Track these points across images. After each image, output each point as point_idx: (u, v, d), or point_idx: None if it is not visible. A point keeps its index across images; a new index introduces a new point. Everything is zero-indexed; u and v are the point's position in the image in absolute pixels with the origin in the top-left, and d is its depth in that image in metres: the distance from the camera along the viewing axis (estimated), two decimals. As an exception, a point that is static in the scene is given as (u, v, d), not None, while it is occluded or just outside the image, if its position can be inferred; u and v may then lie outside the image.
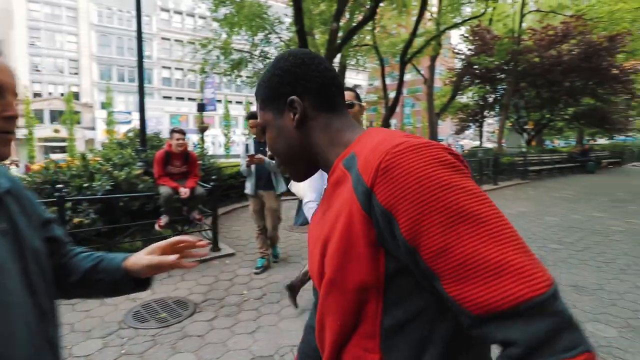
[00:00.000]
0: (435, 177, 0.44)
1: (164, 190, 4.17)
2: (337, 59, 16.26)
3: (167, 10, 36.12)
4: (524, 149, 15.91)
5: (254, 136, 3.99)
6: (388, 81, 21.05)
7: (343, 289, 0.52)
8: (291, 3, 12.53)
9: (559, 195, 9.15)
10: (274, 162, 3.63)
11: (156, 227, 4.29)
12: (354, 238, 0.50)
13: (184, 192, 4.17)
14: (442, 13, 18.01)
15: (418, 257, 0.45)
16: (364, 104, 1.88)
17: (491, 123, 25.05)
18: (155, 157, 4.27)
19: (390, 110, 15.48)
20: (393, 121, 43.01)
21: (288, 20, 13.83)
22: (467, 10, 20.14)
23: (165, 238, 2.78)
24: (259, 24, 12.50)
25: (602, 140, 26.92)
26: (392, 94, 19.42)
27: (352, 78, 34.09)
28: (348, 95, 1.79)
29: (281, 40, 13.35)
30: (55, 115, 31.11)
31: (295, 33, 11.27)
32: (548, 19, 17.42)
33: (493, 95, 20.28)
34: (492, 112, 21.33)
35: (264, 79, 0.68)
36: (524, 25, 17.73)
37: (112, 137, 7.47)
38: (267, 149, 3.79)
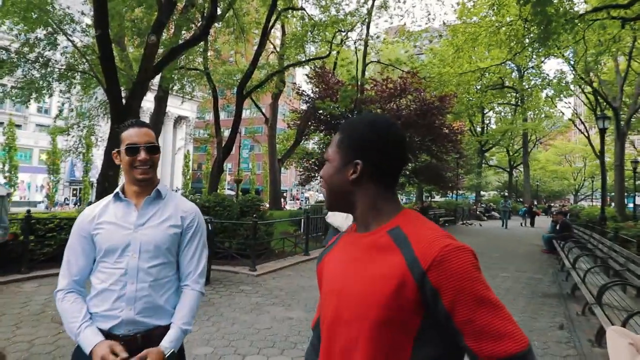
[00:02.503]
0: (469, 273, 0.83)
1: None
2: (156, 80, 15.64)
3: None
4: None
5: None
6: (222, 116, 21.38)
7: (384, 330, 0.86)
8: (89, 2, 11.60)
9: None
10: None
11: None
12: (403, 297, 0.85)
13: None
14: (285, 47, 19.84)
15: (451, 321, 0.83)
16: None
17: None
18: None
19: (225, 152, 15.51)
20: (228, 165, 43.46)
21: (88, 20, 12.65)
22: (312, 50, 22.91)
23: None
24: (40, 18, 10.98)
25: (438, 198, 33.42)
26: (227, 132, 19.71)
27: (175, 107, 33.13)
28: (146, 135, 1.65)
29: (74, 46, 12.01)
30: None
31: (96, 39, 10.34)
32: (388, 71, 21.25)
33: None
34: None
35: (354, 126, 1.01)
36: (366, 74, 21.13)
37: None
38: None
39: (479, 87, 28.17)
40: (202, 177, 45.90)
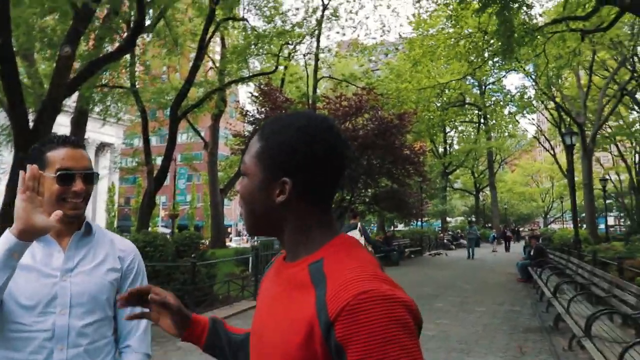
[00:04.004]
0: (384, 333, 0.68)
1: None
2: (72, 101, 14.98)
3: None
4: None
5: None
6: (154, 141, 20.77)
7: None
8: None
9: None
10: None
11: None
12: (311, 350, 0.74)
13: None
14: (226, 61, 19.74)
15: None
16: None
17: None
18: None
19: (158, 182, 14.94)
20: (162, 198, 42.15)
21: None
22: (256, 65, 23.01)
23: None
24: None
25: (401, 227, 33.93)
26: (159, 160, 19.07)
27: (97, 132, 31.79)
28: (83, 158, 1.47)
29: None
30: None
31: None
32: (342, 88, 21.65)
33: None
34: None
35: (280, 132, 0.86)
36: (318, 92, 21.43)
37: None
38: None
39: (439, 104, 29.38)
40: (130, 214, 44.12)
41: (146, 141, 16.04)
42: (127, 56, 15.35)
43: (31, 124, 9.87)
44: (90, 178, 1.45)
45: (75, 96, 14.32)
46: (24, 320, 1.31)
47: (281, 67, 20.36)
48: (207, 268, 8.92)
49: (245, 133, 22.28)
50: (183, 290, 8.06)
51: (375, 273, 0.76)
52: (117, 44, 15.27)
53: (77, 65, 12.58)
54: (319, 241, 0.84)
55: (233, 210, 42.55)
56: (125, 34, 13.75)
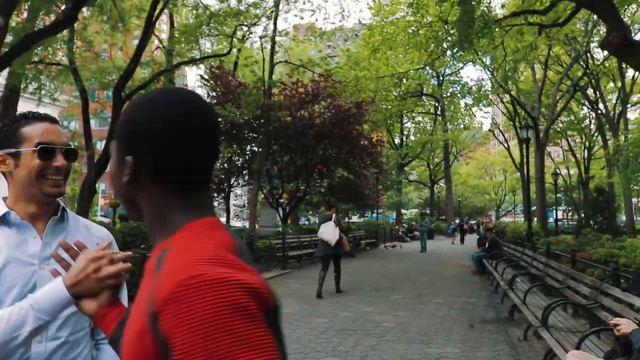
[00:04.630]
0: (216, 322, 0.60)
1: None
2: (2, 78, 14.18)
3: None
4: (280, 228, 18.02)
5: None
6: (94, 124, 19.97)
7: None
8: None
9: (326, 287, 10.52)
10: None
11: None
12: (143, 348, 0.68)
13: None
14: (174, 41, 19.20)
15: None
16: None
17: (239, 194, 27.67)
18: None
19: (99, 169, 14.42)
20: (101, 185, 40.66)
21: None
22: (208, 47, 22.50)
23: None
24: None
25: (356, 218, 34.36)
26: (100, 144, 18.36)
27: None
28: (63, 134, 1.44)
29: None
30: None
31: None
32: (299, 73, 21.56)
33: (241, 159, 22.57)
34: (240, 180, 23.53)
35: (130, 107, 0.84)
36: (274, 76, 21.24)
37: None
38: None
39: (397, 94, 29.88)
40: (65, 202, 42.28)
41: (86, 123, 15.37)
42: (65, 31, 14.64)
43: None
44: (71, 154, 1.39)
45: (5, 72, 13.56)
46: None
47: (234, 50, 20.02)
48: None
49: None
50: (132, 283, 7.85)
51: (217, 255, 0.69)
52: (52, 17, 14.56)
53: (8, 39, 11.88)
54: (176, 226, 0.78)
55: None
56: (64, 6, 13.08)
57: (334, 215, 9.82)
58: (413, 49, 23.10)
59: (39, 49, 14.74)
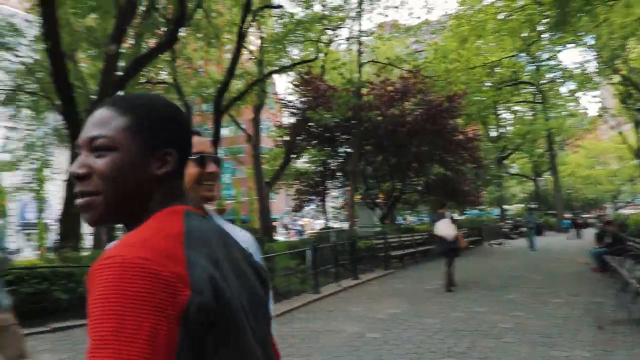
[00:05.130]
0: (103, 305, 0.66)
1: None
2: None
3: None
4: (378, 229, 17.92)
5: None
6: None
7: None
8: (37, 8, 11.44)
9: (431, 288, 10.31)
10: None
11: None
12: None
13: None
14: (264, 51, 19.87)
15: None
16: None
17: (335, 196, 27.98)
18: None
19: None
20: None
21: (34, 31, 12.54)
22: (295, 53, 23.01)
23: None
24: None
25: (456, 216, 33.23)
26: (203, 155, 19.48)
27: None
28: (210, 146, 1.59)
29: (21, 62, 11.92)
30: None
31: (46, 53, 10.21)
32: (386, 72, 21.36)
33: (336, 161, 22.76)
34: (335, 182, 23.74)
35: (151, 106, 0.87)
36: (362, 77, 21.20)
37: None
38: None
39: (490, 84, 28.55)
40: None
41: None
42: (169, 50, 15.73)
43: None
44: (218, 162, 1.54)
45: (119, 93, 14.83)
46: None
47: (321, 55, 20.31)
48: (266, 262, 9.03)
49: (287, 125, 22.41)
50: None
51: (144, 241, 0.73)
52: (153, 40, 15.69)
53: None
54: (150, 213, 0.83)
55: (278, 203, 43.02)
56: (166, 29, 14.04)
57: (447, 212, 10.46)
58: (505, 35, 22.04)
59: (145, 70, 16.01)
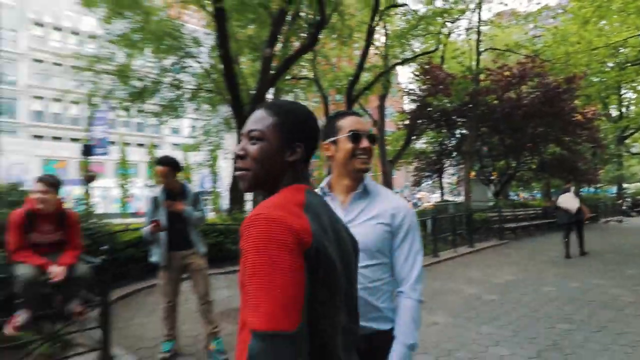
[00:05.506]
0: (258, 245, 0.85)
1: (23, 271, 3.39)
2: (269, 94, 16.51)
3: (42, 25, 34.57)
4: (492, 203, 16.94)
5: (163, 186, 3.79)
6: (332, 122, 21.79)
7: None
8: (212, 24, 12.62)
9: (546, 259, 9.60)
10: (196, 212, 3.80)
11: (8, 329, 3.40)
12: None
13: (57, 272, 3.46)
14: (388, 46, 19.55)
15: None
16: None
17: (451, 173, 26.89)
18: (10, 220, 3.53)
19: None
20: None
21: (209, 42, 13.79)
22: (416, 46, 22.29)
23: (22, 345, 2.89)
24: (171, 46, 12.25)
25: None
26: (337, 137, 19.94)
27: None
28: (366, 124, 1.64)
29: (201, 67, 13.15)
30: None
31: (219, 58, 11.21)
32: (503, 58, 19.74)
33: (452, 142, 21.87)
34: (451, 160, 22.85)
35: (293, 111, 1.09)
36: (480, 64, 19.86)
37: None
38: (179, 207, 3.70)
39: (613, 65, 24.85)
40: (314, 183, 47.32)
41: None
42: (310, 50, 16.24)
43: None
44: (373, 139, 1.59)
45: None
46: None
47: (441, 46, 19.46)
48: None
49: (408, 111, 21.95)
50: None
51: (279, 204, 0.93)
52: (297, 42, 16.28)
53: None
54: (282, 187, 1.04)
55: (398, 179, 42.76)
56: (308, 32, 14.51)
57: (572, 188, 10.22)
58: (632, 14, 18.94)
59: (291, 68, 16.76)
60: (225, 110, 15.37)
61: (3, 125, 29.74)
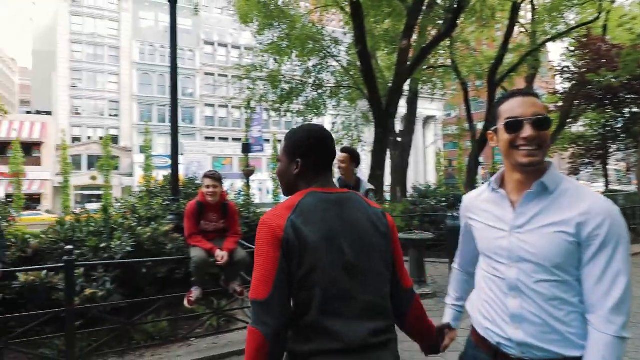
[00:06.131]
0: (257, 240, 1.19)
1: (196, 253, 3.84)
2: (405, 86, 16.12)
3: (212, 44, 39.45)
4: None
5: (342, 176, 3.79)
6: (472, 110, 20.29)
7: None
8: (349, 24, 12.77)
9: None
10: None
11: (185, 303, 3.91)
12: None
13: (221, 256, 3.83)
14: (536, 22, 17.28)
15: None
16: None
17: (618, 159, 22.74)
18: (186, 210, 4.02)
19: (480, 146, 14.64)
20: (479, 159, 41.26)
21: (347, 41, 14.00)
22: (570, 18, 19.28)
23: (197, 317, 4.08)
24: (313, 48, 12.76)
25: None
26: (479, 125, 18.55)
27: (423, 108, 33.56)
28: (532, 105, 1.27)
29: (340, 65, 13.42)
30: (93, 161, 34.26)
31: (356, 55, 11.28)
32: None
33: (620, 122, 18.46)
34: (619, 144, 19.33)
35: (294, 134, 1.36)
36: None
37: (147, 184, 7.60)
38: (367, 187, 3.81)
39: None
40: (453, 173, 45.17)
41: (468, 111, 15.87)
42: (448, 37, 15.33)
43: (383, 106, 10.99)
44: (541, 124, 1.22)
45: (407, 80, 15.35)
46: (486, 261, 1.37)
47: (602, 14, 16.47)
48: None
49: (561, 91, 19.20)
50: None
51: (275, 209, 1.23)
52: (434, 30, 15.46)
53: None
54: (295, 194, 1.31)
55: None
56: (446, 18, 13.69)
57: None
58: None
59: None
60: (364, 104, 15.49)
61: (184, 130, 34.84)
